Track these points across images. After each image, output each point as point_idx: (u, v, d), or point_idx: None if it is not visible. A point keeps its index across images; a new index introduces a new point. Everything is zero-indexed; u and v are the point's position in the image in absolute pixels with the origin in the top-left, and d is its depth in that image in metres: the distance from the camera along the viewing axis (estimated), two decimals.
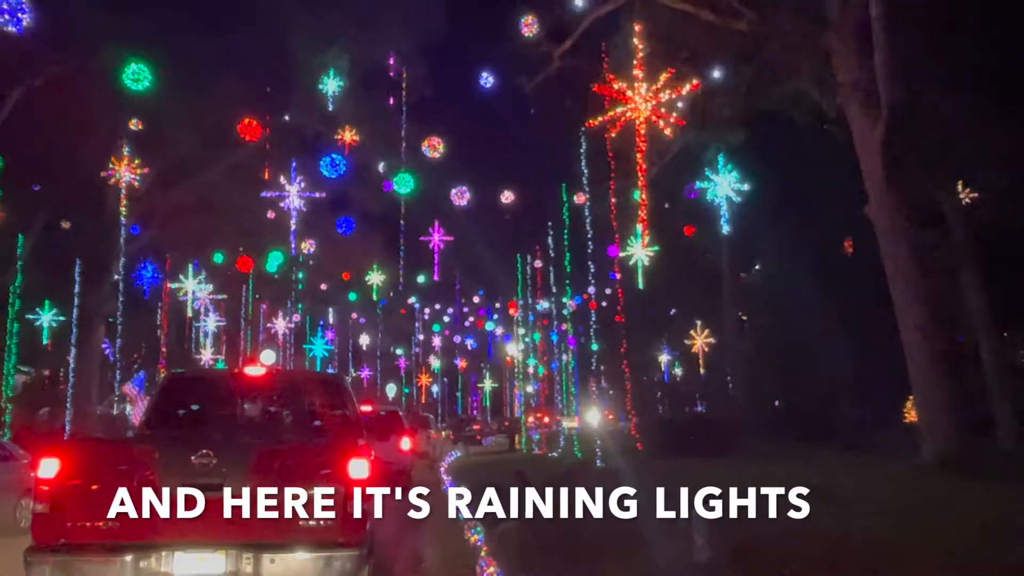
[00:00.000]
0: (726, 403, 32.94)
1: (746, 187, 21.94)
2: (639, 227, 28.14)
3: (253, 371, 7.07)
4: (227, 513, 4.98)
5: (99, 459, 5.26)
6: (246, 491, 5.00)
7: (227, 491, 5.01)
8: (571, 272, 29.26)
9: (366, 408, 15.21)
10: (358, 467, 5.29)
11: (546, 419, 49.21)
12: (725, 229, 23.39)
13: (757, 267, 27.14)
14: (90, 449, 5.56)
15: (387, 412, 17.53)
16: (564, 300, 41.13)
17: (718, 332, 39.69)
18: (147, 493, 4.95)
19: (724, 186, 21.84)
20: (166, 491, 4.96)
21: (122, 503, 4.93)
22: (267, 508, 5.01)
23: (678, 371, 49.95)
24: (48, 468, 4.98)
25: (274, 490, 5.06)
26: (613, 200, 21.96)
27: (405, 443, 16.06)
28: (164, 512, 4.93)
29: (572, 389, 49.14)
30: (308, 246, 29.99)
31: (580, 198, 23.79)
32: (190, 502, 4.95)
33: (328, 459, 5.30)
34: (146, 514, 4.91)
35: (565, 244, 24.95)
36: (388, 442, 13.87)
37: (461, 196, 20.76)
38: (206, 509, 4.96)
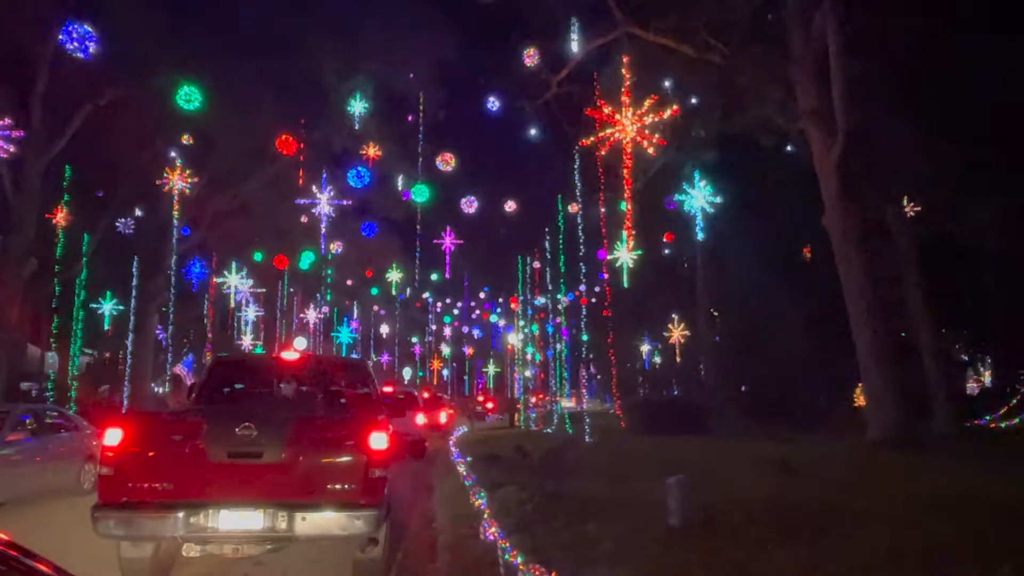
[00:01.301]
0: (699, 388, 32.95)
1: (719, 199, 21.90)
2: (625, 233, 28.47)
3: (288, 355, 7.25)
4: (265, 477, 5.09)
5: (156, 429, 5.35)
6: (282, 458, 5.10)
7: (265, 458, 5.11)
8: (565, 272, 29.44)
9: (388, 389, 16.07)
10: (378, 439, 5.38)
11: (538, 400, 49.43)
12: (700, 236, 23.32)
13: (727, 269, 26.99)
14: (149, 421, 5.66)
15: (406, 392, 18.11)
16: (559, 296, 41.55)
17: (692, 325, 39.75)
18: (197, 459, 5.06)
19: (699, 198, 21.79)
20: (212, 457, 5.06)
21: (175, 467, 5.08)
22: (299, 473, 5.13)
23: (657, 359, 50.02)
24: (113, 437, 5.08)
25: (306, 458, 5.17)
26: (603, 210, 21.97)
27: (420, 418, 16.61)
28: (211, 475, 5.05)
29: (565, 374, 49.30)
30: (336, 247, 30.04)
31: (574, 207, 23.80)
32: (233, 467, 5.07)
33: (352, 432, 5.38)
34: (195, 477, 5.04)
35: (560, 248, 24.91)
36: (406, 417, 14.12)
37: (470, 205, 20.76)
38: (247, 473, 5.08)
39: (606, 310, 42.17)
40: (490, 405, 38.70)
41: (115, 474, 5.01)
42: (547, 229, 27.73)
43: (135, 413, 9.33)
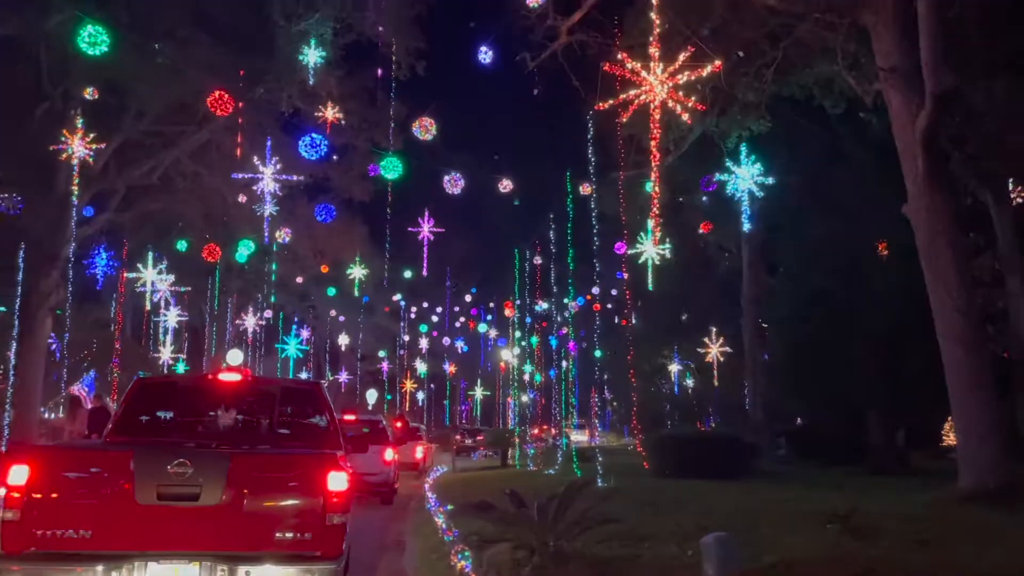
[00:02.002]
0: (742, 419, 33.07)
1: (770, 181, 21.92)
2: (651, 222, 28.53)
3: (227, 377, 7.41)
4: (202, 523, 5.31)
5: (72, 466, 5.51)
6: (222, 501, 5.35)
7: (203, 500, 5.33)
8: (574, 270, 29.40)
9: (349, 417, 16.55)
10: (337, 479, 5.59)
11: (540, 432, 49.51)
12: (746, 227, 23.40)
13: (780, 270, 27.09)
14: (63, 456, 5.84)
15: (371, 421, 18.56)
16: (565, 301, 41.57)
17: (735, 341, 39.82)
18: (120, 501, 5.26)
19: (746, 179, 21.77)
20: (140, 499, 5.27)
21: (95, 511, 5.26)
22: (243, 519, 5.37)
23: (690, 383, 49.93)
24: (18, 475, 5.20)
25: (250, 500, 5.42)
26: (622, 192, 21.96)
27: (389, 454, 16.87)
28: (138, 521, 5.24)
29: (573, 400, 49.44)
30: (283, 235, 29.92)
31: (586, 189, 23.80)
32: (165, 512, 5.29)
33: (306, 470, 5.63)
34: (119, 523, 5.23)
35: (568, 239, 24.93)
36: (370, 453, 14.45)
37: (455, 183, 20.69)
38: (181, 519, 5.31)
39: (625, 319, 42.49)
40: (480, 437, 38.60)
41: (21, 519, 5.13)
42: (552, 216, 27.81)
43: (47, 447, 9.57)
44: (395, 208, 27.16)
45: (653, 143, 15.30)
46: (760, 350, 30.01)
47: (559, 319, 47.58)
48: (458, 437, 42.01)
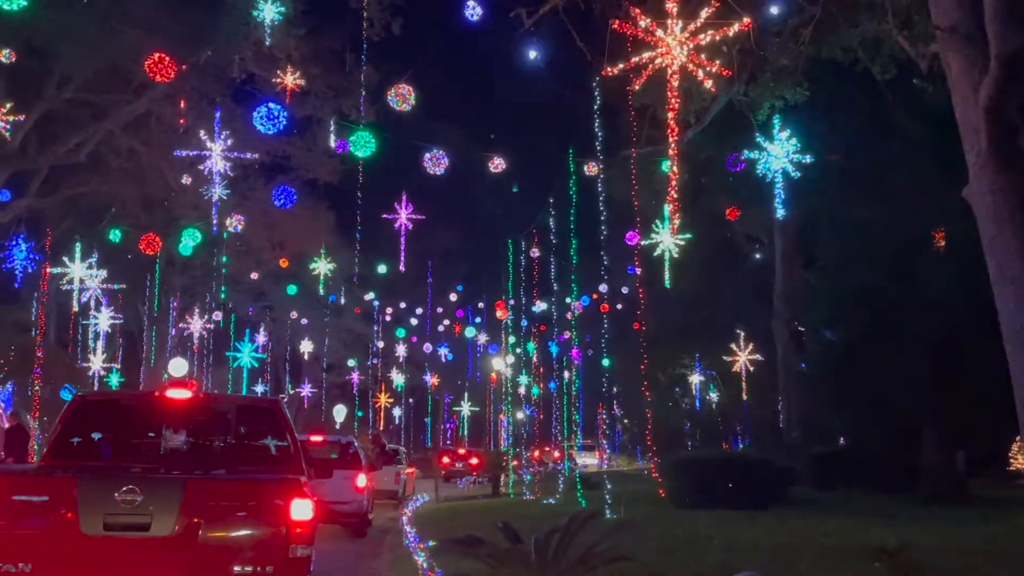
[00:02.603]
0: (776, 439, 33.14)
1: (808, 159, 21.92)
2: (667, 208, 28.53)
3: (176, 394, 7.74)
4: (153, 556, 5.58)
5: (8, 493, 5.73)
6: (175, 531, 5.65)
7: (154, 531, 5.63)
8: (577, 264, 29.48)
9: (316, 438, 17.64)
10: (301, 507, 5.94)
11: (539, 454, 49.61)
12: (780, 213, 23.41)
13: (819, 263, 27.17)
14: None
15: (341, 443, 19.05)
16: (568, 301, 41.68)
17: (767, 347, 39.91)
18: (64, 532, 5.52)
19: (780, 157, 21.76)
20: (86, 530, 5.53)
21: (36, 543, 5.49)
22: (198, 551, 5.65)
23: (713, 396, 50.13)
24: None
25: (206, 531, 5.71)
26: (634, 173, 21.96)
27: (361, 480, 17.24)
28: (83, 554, 5.48)
29: (577, 417, 49.45)
30: (235, 223, 29.78)
31: (591, 169, 23.83)
32: (113, 543, 5.55)
33: (267, 498, 5.98)
34: (63, 555, 5.47)
35: (570, 228, 24.94)
36: (340, 478, 15.01)
37: (438, 162, 20.62)
38: (130, 551, 5.57)
39: (638, 322, 42.50)
40: (475, 461, 39.15)
41: None
42: (552, 201, 27.77)
43: None
44: (367, 192, 26.93)
45: (671, 114, 15.26)
46: (796, 357, 30.11)
47: (560, 322, 47.62)
48: (446, 460, 42.19)
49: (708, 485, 20.09)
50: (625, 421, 70.13)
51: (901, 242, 22.30)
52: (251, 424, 8.00)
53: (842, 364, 24.17)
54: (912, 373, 21.72)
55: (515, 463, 37.29)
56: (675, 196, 17.00)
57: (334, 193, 39.64)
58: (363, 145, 19.45)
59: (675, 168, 16.33)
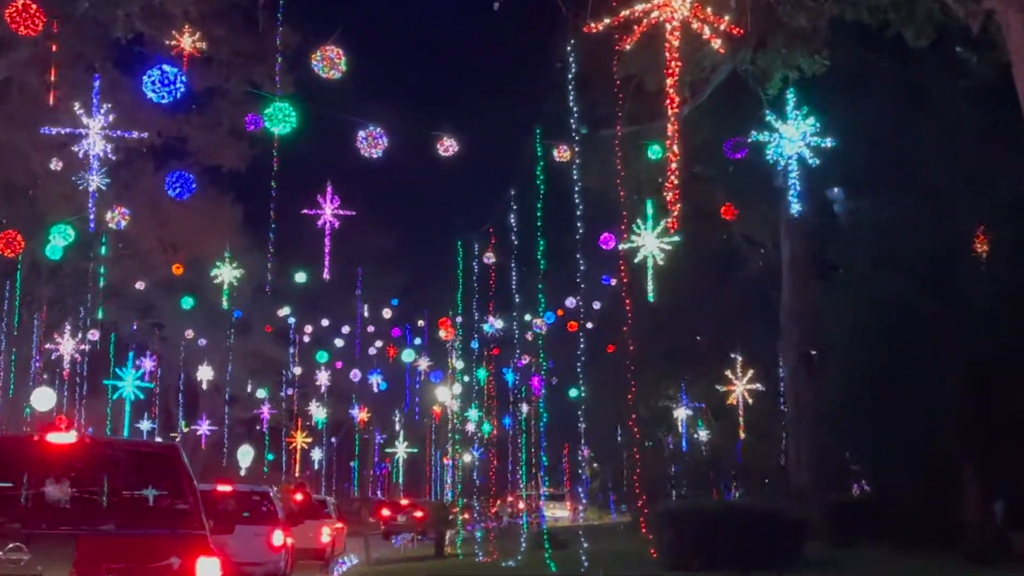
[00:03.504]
0: (781, 485, 33.01)
1: (828, 142, 21.84)
2: (653, 203, 28.55)
3: (59, 438, 8.03)
4: None
5: None
6: None
7: None
8: (544, 273, 29.16)
9: (223, 488, 17.76)
10: (207, 568, 6.54)
11: (495, 506, 49.21)
12: (794, 208, 23.28)
13: (839, 271, 27.17)
14: None
15: (255, 493, 19.65)
16: (528, 318, 41.48)
17: (769, 374, 39.99)
18: None
19: (794, 140, 21.63)
20: None
21: None
22: None
23: (702, 433, 50.30)
24: None
25: None
26: (619, 156, 21.72)
27: (277, 537, 17.69)
28: None
29: (543, 459, 49.26)
30: (117, 218, 28.94)
31: (562, 153, 23.70)
32: None
33: (169, 556, 6.57)
34: None
35: (537, 227, 24.60)
36: (253, 535, 15.93)
37: (374, 142, 20.13)
38: None
39: (612, 344, 42.31)
40: (419, 514, 39.49)
41: None
42: (512, 194, 27.43)
43: None
44: (284, 181, 26.50)
45: (670, 81, 14.97)
46: (806, 386, 29.94)
47: (519, 344, 47.33)
48: (385, 513, 42.03)
49: (707, 542, 19.83)
50: (594, 465, 70.30)
51: (938, 246, 22.20)
52: (144, 472, 8.23)
53: (865, 394, 23.99)
54: (950, 406, 21.58)
55: (465, 516, 36.94)
56: (674, 183, 16.61)
57: (242, 184, 39.55)
58: (282, 119, 19.05)
59: (675, 148, 15.99)
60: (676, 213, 18.93)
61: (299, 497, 25.41)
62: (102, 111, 26.86)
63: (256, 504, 18.37)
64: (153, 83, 18.31)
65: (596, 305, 45.06)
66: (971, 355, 21.48)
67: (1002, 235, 21.49)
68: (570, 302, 43.27)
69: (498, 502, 51.59)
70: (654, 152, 25.74)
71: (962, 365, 21.56)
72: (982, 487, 23.15)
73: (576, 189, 24.01)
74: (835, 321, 26.38)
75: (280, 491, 22.85)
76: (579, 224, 24.44)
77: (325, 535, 25.33)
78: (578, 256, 29.66)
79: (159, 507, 7.93)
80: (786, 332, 30.98)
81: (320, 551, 24.90)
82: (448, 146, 22.01)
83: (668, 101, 15.57)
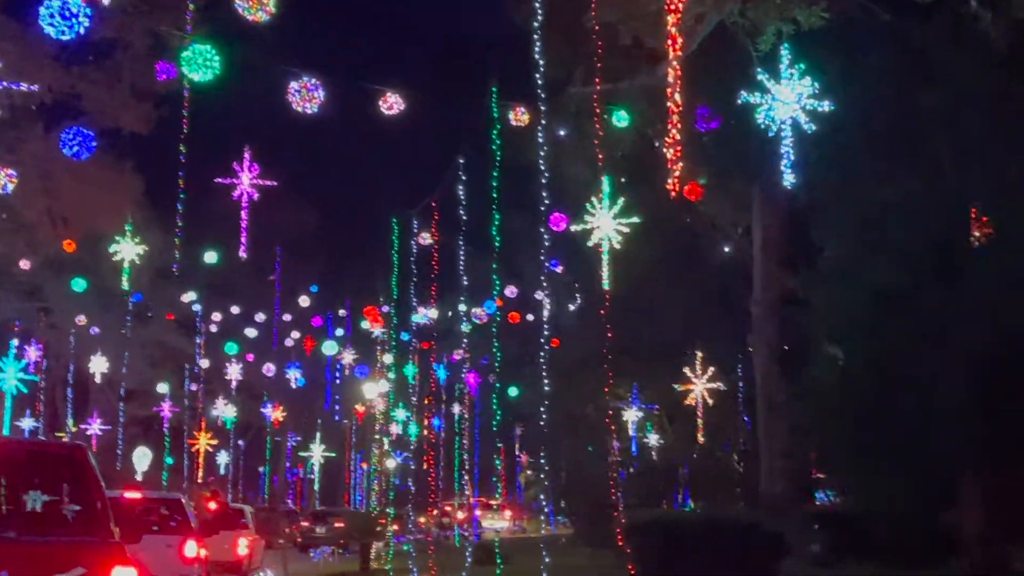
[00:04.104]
0: (745, 495, 32.59)
1: (826, 105, 21.21)
2: (606, 182, 28.05)
3: None
4: None
5: None
6: None
7: None
8: (497, 253, 28.97)
9: (132, 495, 18.39)
10: None
11: (438, 515, 48.63)
12: (787, 181, 22.57)
13: (824, 253, 26.85)
14: None
15: (167, 501, 20.23)
16: (466, 308, 40.52)
17: (734, 372, 39.57)
18: None
19: (788, 101, 20.96)
20: None
21: None
22: None
23: (652, 437, 49.94)
24: None
25: None
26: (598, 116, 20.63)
27: (190, 548, 17.97)
28: None
29: (474, 464, 48.56)
30: (3, 180, 27.18)
31: (519, 117, 23.27)
32: None
33: (82, 565, 6.90)
34: None
35: (493, 199, 23.64)
36: (163, 545, 16.65)
37: (308, 96, 18.94)
38: None
39: (556, 339, 41.78)
40: (339, 525, 39.95)
41: None
42: (461, 161, 26.48)
43: None
44: (194, 147, 25.20)
45: (672, 19, 14.02)
46: (780, 385, 29.37)
47: (453, 337, 46.54)
48: (304, 523, 42.61)
49: (682, 554, 20.29)
50: (528, 472, 70.03)
51: (941, 229, 21.87)
52: (48, 475, 8.38)
53: (852, 394, 23.60)
54: (951, 407, 21.06)
55: (395, 527, 36.48)
56: (676, 137, 15.71)
57: (144, 150, 38.55)
58: (201, 64, 17.80)
59: (677, 97, 15.04)
60: (677, 173, 17.99)
61: (213, 505, 25.86)
62: None
63: (167, 512, 18.69)
64: (52, 16, 16.95)
65: (540, 295, 44.61)
66: (975, 350, 20.92)
67: (1011, 217, 20.94)
68: (511, 291, 42.73)
69: (434, 512, 51.19)
70: (620, 118, 25.28)
71: (965, 362, 21.02)
72: (985, 498, 22.70)
73: (543, 156, 23.20)
74: (821, 313, 25.99)
75: (192, 499, 22.94)
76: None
77: (242, 547, 25.61)
78: (543, 230, 29.29)
79: (62, 513, 8.07)
80: (758, 326, 30.46)
81: (236, 564, 25.34)
82: (392, 103, 20.86)
83: (669, 42, 14.70)
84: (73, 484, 8.30)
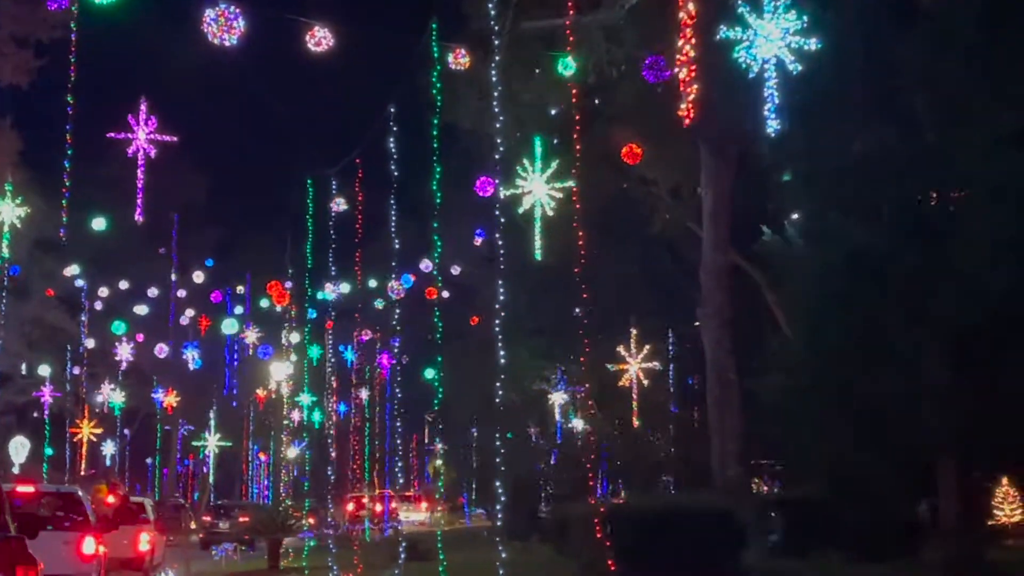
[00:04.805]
0: (689, 480, 32.12)
1: (813, 43, 20.64)
2: (538, 139, 28.96)
3: None
4: None
5: None
6: None
7: None
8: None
9: (25, 489, 18.83)
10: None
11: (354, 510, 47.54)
12: (770, 127, 21.84)
13: (795, 216, 26.31)
14: None
15: (63, 495, 20.55)
16: (380, 282, 39.28)
17: (669, 349, 39.08)
18: None
19: (772, 38, 20.20)
20: None
21: None
22: None
23: (577, 423, 49.28)
24: None
25: None
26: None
27: (88, 545, 18.25)
28: None
29: (384, 452, 47.66)
30: None
31: (458, 59, 22.57)
32: None
33: None
34: None
35: (434, 149, 22.63)
36: (60, 542, 16.95)
37: (226, 25, 17.33)
38: None
39: (476, 316, 40.85)
40: (243, 520, 38.97)
41: None
42: (392, 111, 25.17)
43: None
44: (82, 99, 23.66)
45: None
46: (731, 362, 28.60)
47: (365, 314, 45.58)
48: (206, 518, 42.58)
49: (653, 543, 20.52)
50: (439, 462, 69.32)
51: (925, 186, 21.66)
52: None
53: (819, 369, 22.98)
54: (931, 384, 20.75)
55: (311, 521, 35.79)
56: (691, 54, 14.55)
57: (25, 103, 37.73)
58: None
59: (691, 7, 13.80)
60: (692, 96, 16.90)
61: (112, 499, 25.39)
62: None
63: (63, 507, 18.93)
64: None
65: (456, 270, 43.85)
66: (959, 322, 20.36)
67: (1000, 176, 20.31)
68: (426, 265, 41.84)
69: (348, 505, 50.17)
70: (565, 66, 24.35)
71: (947, 334, 20.65)
72: (963, 481, 22.26)
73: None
74: (787, 279, 25.23)
75: (89, 492, 22.51)
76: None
77: (143, 543, 26.09)
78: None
79: None
80: (707, 295, 29.38)
81: (138, 560, 25.83)
82: (321, 38, 19.27)
83: None
84: None
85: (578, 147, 24.58)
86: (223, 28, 17.48)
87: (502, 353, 21.61)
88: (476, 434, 47.08)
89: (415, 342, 46.30)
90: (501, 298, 22.79)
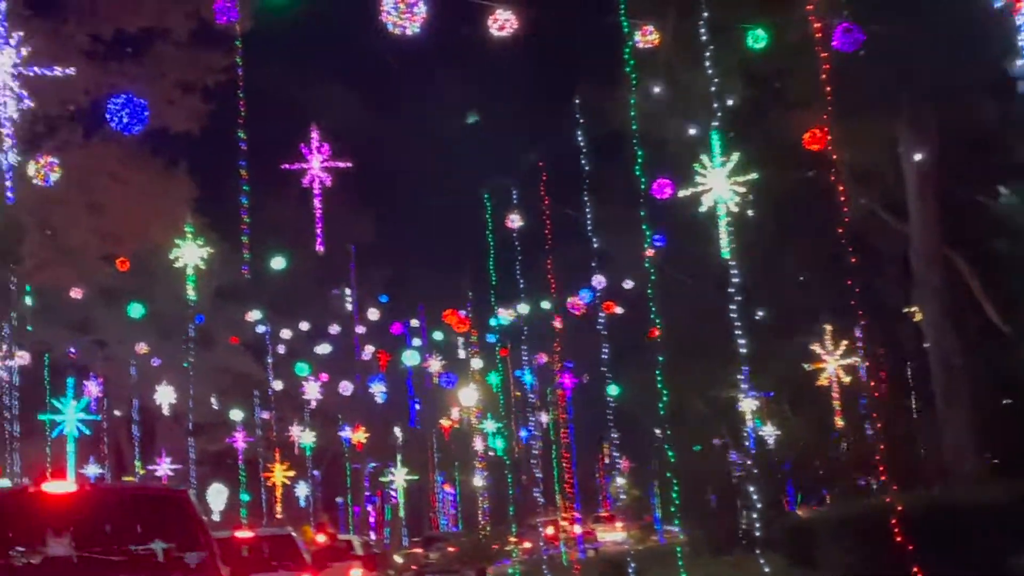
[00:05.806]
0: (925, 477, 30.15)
1: None
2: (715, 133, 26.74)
3: (58, 488, 9.40)
4: None
5: None
6: None
7: None
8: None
9: (243, 534, 20.20)
10: None
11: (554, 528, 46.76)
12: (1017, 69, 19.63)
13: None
14: None
15: (276, 537, 21.22)
16: (553, 300, 38.02)
17: (877, 339, 36.76)
18: None
19: None
20: None
21: None
22: None
23: (767, 430, 47.11)
24: None
25: None
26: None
27: None
28: None
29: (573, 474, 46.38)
30: (43, 169, 24.03)
31: (647, 34, 21.35)
32: None
33: None
34: None
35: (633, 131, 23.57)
36: None
37: (405, 12, 15.78)
38: None
39: (655, 328, 39.60)
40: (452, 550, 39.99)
41: None
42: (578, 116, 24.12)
43: None
44: (260, 113, 22.91)
45: None
46: (957, 346, 26.83)
47: (541, 336, 44.70)
48: (416, 550, 43.02)
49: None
50: (619, 480, 67.90)
51: None
52: (150, 521, 9.15)
53: None
54: None
55: (520, 545, 35.80)
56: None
57: (192, 149, 37.75)
58: None
59: None
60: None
61: (322, 538, 27.04)
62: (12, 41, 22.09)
63: (279, 549, 19.60)
64: None
65: (628, 284, 42.57)
66: None
67: None
68: (598, 281, 40.58)
69: (548, 529, 49.61)
70: (756, 40, 22.89)
71: None
72: None
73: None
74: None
75: (299, 534, 23.58)
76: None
77: None
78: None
79: (171, 559, 8.68)
80: (920, 277, 27.79)
81: None
82: (503, 22, 17.53)
83: None
84: (177, 529, 8.95)
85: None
86: (404, 15, 15.99)
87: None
88: (665, 448, 45.95)
89: (592, 361, 45.27)
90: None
